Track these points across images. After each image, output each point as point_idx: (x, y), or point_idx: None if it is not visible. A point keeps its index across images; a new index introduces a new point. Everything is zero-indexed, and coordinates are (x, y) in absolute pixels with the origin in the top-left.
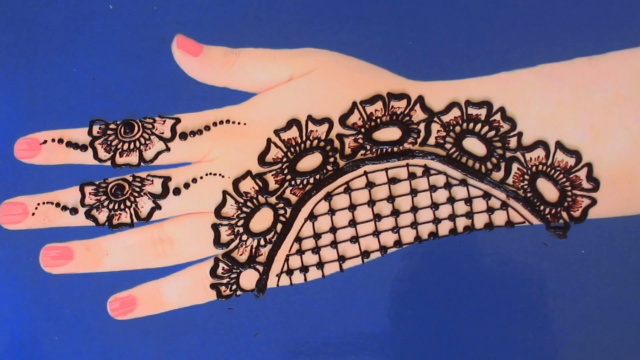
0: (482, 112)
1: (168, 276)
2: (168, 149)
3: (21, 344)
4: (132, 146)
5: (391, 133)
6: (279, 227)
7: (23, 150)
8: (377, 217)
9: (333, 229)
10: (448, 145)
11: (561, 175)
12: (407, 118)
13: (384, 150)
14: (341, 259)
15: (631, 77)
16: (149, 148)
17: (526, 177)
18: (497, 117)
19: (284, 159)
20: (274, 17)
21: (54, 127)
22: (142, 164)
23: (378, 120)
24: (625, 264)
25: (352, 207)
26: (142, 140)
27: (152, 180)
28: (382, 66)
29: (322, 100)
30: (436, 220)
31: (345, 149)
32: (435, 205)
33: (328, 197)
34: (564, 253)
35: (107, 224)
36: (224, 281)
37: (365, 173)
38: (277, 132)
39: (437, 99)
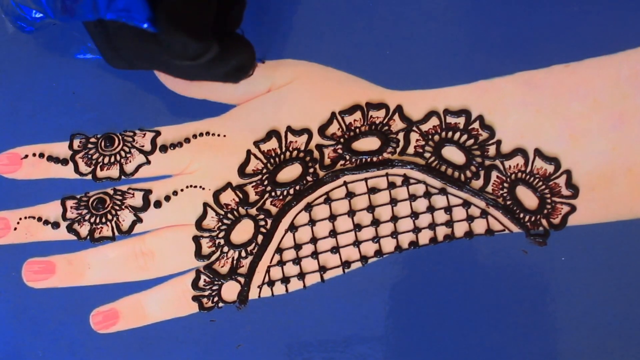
0: (461, 121)
1: (150, 289)
2: (148, 162)
3: (4, 359)
4: (112, 159)
5: (370, 143)
6: (260, 238)
7: (4, 165)
8: (358, 227)
9: (314, 240)
10: (427, 154)
11: (540, 183)
12: (386, 128)
13: (364, 160)
14: (322, 269)
15: (609, 83)
16: (130, 161)
17: (505, 185)
18: (476, 125)
19: (264, 170)
20: (252, 28)
21: (34, 141)
22: (122, 177)
23: (357, 130)
24: (606, 271)
25: (332, 218)
26: (123, 154)
27: (133, 194)
28: (360, 76)
29: (301, 111)
30: (416, 230)
31: (324, 160)
32: (415, 215)
33: (308, 207)
34: (543, 260)
35: (88, 237)
36: (206, 293)
37: (345, 183)
38: (256, 144)
39: (415, 108)
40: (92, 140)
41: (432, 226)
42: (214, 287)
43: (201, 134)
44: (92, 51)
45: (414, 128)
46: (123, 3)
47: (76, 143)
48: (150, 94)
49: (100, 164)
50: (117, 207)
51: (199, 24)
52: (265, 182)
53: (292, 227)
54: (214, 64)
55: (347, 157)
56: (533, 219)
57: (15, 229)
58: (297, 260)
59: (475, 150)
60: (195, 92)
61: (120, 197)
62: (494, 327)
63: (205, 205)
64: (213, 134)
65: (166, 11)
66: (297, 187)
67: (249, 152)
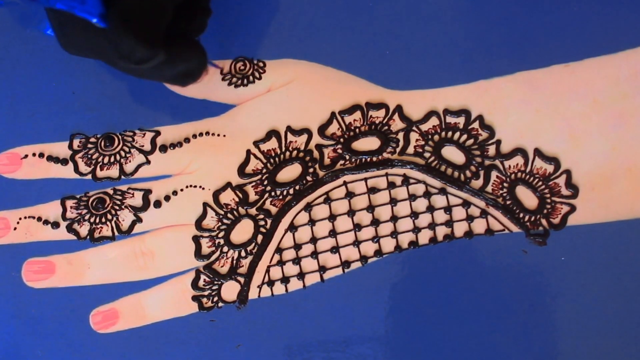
0: (461, 121)
1: (150, 289)
2: (148, 162)
3: (4, 359)
4: (112, 159)
5: (370, 143)
6: (260, 238)
7: (4, 165)
8: (357, 227)
9: (313, 240)
10: (427, 154)
11: (540, 183)
12: (386, 127)
13: (363, 160)
14: (322, 269)
15: (608, 83)
16: (130, 161)
17: (505, 184)
18: (476, 125)
19: (264, 170)
20: (252, 28)
21: (34, 141)
22: (122, 177)
23: (357, 130)
24: (605, 271)
25: (332, 218)
26: (123, 154)
27: (133, 193)
28: (360, 76)
29: (300, 111)
30: (416, 229)
31: (324, 160)
32: (414, 214)
33: (308, 207)
34: (543, 260)
35: (88, 237)
36: (206, 293)
37: (345, 183)
38: (256, 144)
39: (415, 108)
40: (92, 140)
41: (432, 226)
42: (214, 287)
43: (201, 134)
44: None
45: (414, 128)
46: None
47: (76, 143)
48: (150, 94)
49: (100, 163)
50: (117, 207)
51: (150, 29)
52: (265, 182)
53: (292, 227)
54: (161, 68)
55: (347, 157)
56: (533, 218)
57: (15, 228)
58: (297, 260)
59: (475, 150)
60: (195, 92)
61: (120, 197)
62: (494, 327)
63: (205, 205)
64: (213, 134)
65: (119, 11)
66: (297, 187)
67: (248, 152)
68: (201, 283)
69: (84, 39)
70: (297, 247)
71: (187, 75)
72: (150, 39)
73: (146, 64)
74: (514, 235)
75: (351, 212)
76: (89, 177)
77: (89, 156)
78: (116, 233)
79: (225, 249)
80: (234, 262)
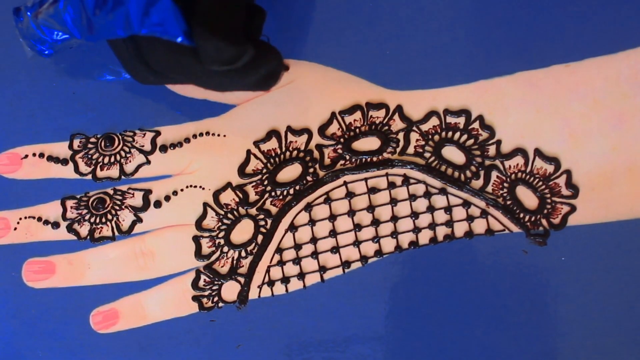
0: (461, 121)
1: (150, 289)
2: (148, 162)
3: (4, 359)
4: (112, 159)
5: (370, 143)
6: (260, 238)
7: (4, 165)
8: (358, 227)
9: (313, 240)
10: (427, 154)
11: (540, 183)
12: (386, 127)
13: (364, 160)
14: (322, 269)
15: (608, 83)
16: (130, 161)
17: (505, 184)
18: (476, 125)
19: (264, 170)
20: None
21: (34, 141)
22: (122, 177)
23: (357, 130)
24: (606, 271)
25: (332, 218)
26: (123, 154)
27: (133, 194)
28: (360, 76)
29: (301, 111)
30: (416, 230)
31: (324, 160)
32: (415, 214)
33: (308, 207)
34: (543, 260)
35: (88, 237)
36: (206, 293)
37: (345, 183)
38: (256, 144)
39: (415, 108)
40: (92, 140)
41: (432, 226)
42: (214, 287)
43: (201, 134)
44: (113, 73)
45: (414, 128)
46: (157, 17)
47: (76, 143)
48: (150, 94)
49: (100, 164)
50: (117, 207)
51: (232, 29)
52: (265, 182)
53: (292, 227)
54: (246, 72)
55: (347, 157)
56: (533, 219)
57: (15, 229)
58: (297, 260)
59: (475, 150)
60: (195, 92)
61: (120, 197)
62: (494, 327)
63: (205, 205)
64: (213, 134)
65: (200, 20)
66: (297, 187)
67: (249, 152)
68: (201, 283)
69: (166, 60)
70: (297, 247)
71: (270, 77)
72: (235, 37)
73: (237, 62)
74: (514, 235)
75: (351, 212)
76: (89, 177)
77: (89, 156)
78: (116, 233)
79: (225, 249)
80: (234, 262)
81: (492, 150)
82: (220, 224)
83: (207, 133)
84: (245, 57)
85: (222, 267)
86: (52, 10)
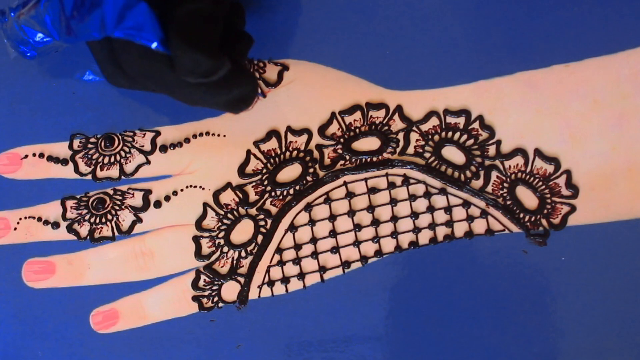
0: (461, 121)
1: (150, 289)
2: (148, 162)
3: (4, 359)
4: (112, 159)
5: (370, 143)
6: (260, 238)
7: (4, 165)
8: (357, 227)
9: (313, 240)
10: (427, 154)
11: (540, 183)
12: (386, 128)
13: (363, 160)
14: (322, 269)
15: (608, 83)
16: (130, 161)
17: (505, 185)
18: (476, 125)
19: (264, 170)
20: (252, 29)
21: (34, 141)
22: (122, 177)
23: (357, 130)
24: (606, 271)
25: (332, 218)
26: (123, 154)
27: (133, 194)
28: (360, 76)
29: (301, 111)
30: (416, 230)
31: (324, 160)
32: (415, 215)
33: (308, 207)
34: (543, 260)
35: (88, 237)
36: (206, 293)
37: (345, 183)
38: (256, 144)
39: (415, 108)
40: (92, 140)
41: (432, 226)
42: (214, 287)
43: (201, 134)
44: (97, 73)
45: (414, 128)
46: (133, 21)
47: (76, 143)
48: (150, 94)
49: (100, 164)
50: (117, 207)
51: (210, 41)
52: (265, 182)
53: (292, 227)
54: (218, 90)
55: (347, 157)
56: (533, 219)
57: (15, 229)
58: (297, 260)
59: (475, 150)
60: None
61: (120, 197)
62: (494, 327)
63: (205, 205)
64: (213, 134)
65: (178, 29)
66: (297, 187)
67: (249, 152)
68: (201, 283)
69: (139, 66)
70: (297, 247)
71: (241, 101)
72: (212, 49)
73: (213, 75)
74: (514, 235)
75: (351, 212)
76: (89, 177)
77: (89, 156)
78: (116, 233)
79: (225, 249)
80: (234, 262)
81: (492, 150)
82: (220, 224)
83: (207, 133)
84: (221, 71)
85: (222, 267)
86: (33, 12)
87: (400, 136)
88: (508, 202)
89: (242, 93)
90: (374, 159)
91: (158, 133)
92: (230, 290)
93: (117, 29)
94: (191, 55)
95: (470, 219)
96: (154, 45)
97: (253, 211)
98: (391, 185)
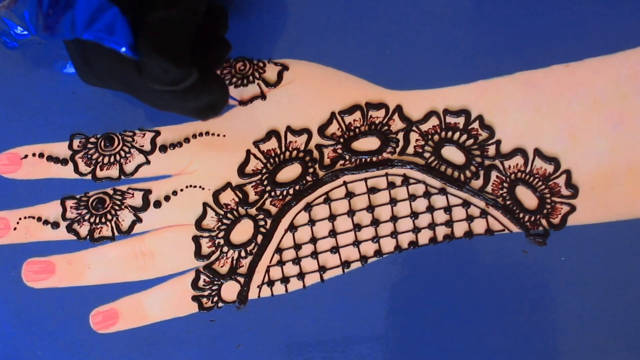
0: (461, 121)
1: (150, 289)
2: (148, 162)
3: (4, 359)
4: (112, 159)
5: (370, 143)
6: (260, 238)
7: (4, 165)
8: (357, 227)
9: (313, 240)
10: (427, 154)
11: (540, 183)
12: (386, 127)
13: (363, 160)
14: (322, 269)
15: (608, 83)
16: (129, 161)
17: (505, 184)
18: (476, 125)
19: (264, 170)
20: (253, 29)
21: (34, 141)
22: (122, 177)
23: (357, 130)
24: (605, 271)
25: (332, 218)
26: (123, 154)
27: (133, 194)
28: (360, 76)
29: (300, 111)
30: (416, 229)
31: (324, 160)
32: (414, 214)
33: (308, 207)
34: (543, 260)
35: (88, 237)
36: (206, 293)
37: (345, 183)
38: (256, 144)
39: (415, 108)
40: (92, 140)
41: (432, 226)
42: (214, 287)
43: (201, 134)
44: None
45: (414, 128)
46: (102, 25)
47: (76, 143)
48: None
49: (100, 164)
50: (117, 207)
51: (179, 50)
52: (265, 182)
53: (292, 227)
54: (186, 97)
55: (347, 157)
56: (533, 218)
57: (15, 229)
58: (296, 260)
59: (475, 150)
60: None
61: (120, 197)
62: (494, 327)
63: (205, 205)
64: (213, 134)
65: (148, 36)
66: (297, 187)
67: (248, 152)
68: (201, 283)
69: (108, 68)
70: (297, 247)
71: (209, 108)
72: (180, 58)
73: (180, 84)
74: (514, 235)
75: (351, 212)
76: (89, 177)
77: (89, 156)
78: (116, 233)
79: (225, 249)
80: (234, 262)
81: (491, 150)
82: (220, 224)
83: (207, 133)
84: (188, 80)
85: (221, 267)
86: (14, 5)
87: (400, 136)
88: (508, 202)
89: (211, 101)
90: (374, 159)
91: (158, 133)
92: (230, 290)
93: (86, 31)
94: (159, 63)
95: (470, 218)
96: (123, 49)
97: (253, 211)
98: (391, 185)
